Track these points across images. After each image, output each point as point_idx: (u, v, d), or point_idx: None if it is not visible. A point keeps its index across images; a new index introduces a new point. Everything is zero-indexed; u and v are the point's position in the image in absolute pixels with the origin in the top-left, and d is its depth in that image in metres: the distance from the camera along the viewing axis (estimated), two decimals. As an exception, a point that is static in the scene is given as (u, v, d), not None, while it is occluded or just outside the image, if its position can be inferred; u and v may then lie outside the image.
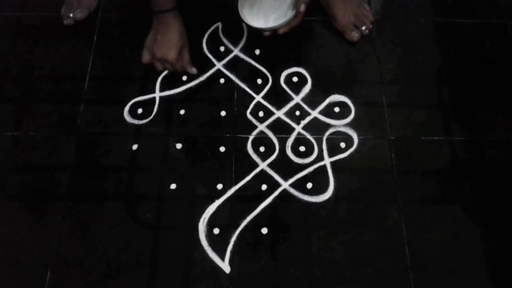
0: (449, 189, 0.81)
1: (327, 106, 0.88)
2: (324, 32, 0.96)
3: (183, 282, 0.72)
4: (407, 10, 1.00)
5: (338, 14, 0.93)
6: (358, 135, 0.85)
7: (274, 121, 0.86)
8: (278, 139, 0.84)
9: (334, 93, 0.89)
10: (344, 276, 0.73)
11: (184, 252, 0.74)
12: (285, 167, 0.82)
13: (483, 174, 0.82)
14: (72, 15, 0.94)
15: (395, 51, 0.94)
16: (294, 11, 0.85)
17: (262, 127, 0.85)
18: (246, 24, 0.88)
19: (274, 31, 0.86)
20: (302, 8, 0.83)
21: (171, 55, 0.85)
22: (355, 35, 0.93)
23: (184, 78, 0.90)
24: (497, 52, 0.95)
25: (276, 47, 0.93)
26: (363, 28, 0.94)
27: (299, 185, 0.80)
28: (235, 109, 0.87)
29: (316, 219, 0.78)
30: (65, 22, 0.95)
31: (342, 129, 0.86)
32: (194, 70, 0.89)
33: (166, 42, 0.85)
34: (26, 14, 0.97)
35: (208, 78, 0.90)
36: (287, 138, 0.84)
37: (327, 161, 0.82)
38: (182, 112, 0.86)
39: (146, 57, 0.88)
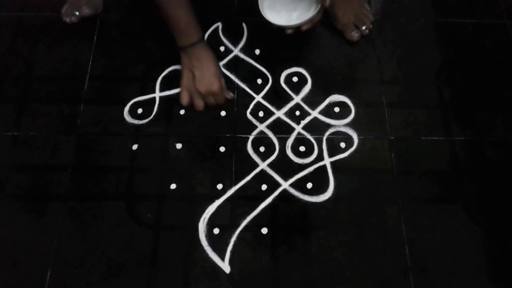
0: (449, 189, 0.81)
1: (327, 106, 0.88)
2: (324, 32, 0.96)
3: (183, 282, 0.72)
4: (407, 10, 1.00)
5: (339, 13, 0.93)
6: (358, 135, 0.85)
7: (274, 121, 0.86)
8: (278, 139, 0.84)
9: (334, 93, 0.89)
10: (344, 276, 0.73)
11: (184, 252, 0.74)
12: (285, 167, 0.82)
13: (483, 174, 0.82)
14: (78, 12, 0.94)
15: (395, 51, 0.94)
16: (319, 7, 0.81)
17: (262, 127, 0.85)
18: (268, 22, 0.83)
19: (297, 28, 0.83)
20: (328, 2, 0.80)
21: (215, 85, 0.81)
22: (355, 35, 0.93)
23: (184, 78, 0.90)
24: (497, 52, 0.95)
25: (276, 47, 0.93)
26: (363, 28, 0.94)
27: (299, 185, 0.80)
28: (235, 109, 0.87)
29: (316, 219, 0.78)
30: (68, 20, 0.94)
31: (342, 129, 0.86)
32: (231, 95, 0.87)
33: (206, 74, 0.81)
34: (26, 14, 0.97)
35: (208, 78, 0.90)
36: (287, 138, 0.84)
37: (327, 161, 0.82)
38: (182, 112, 0.86)
39: (186, 98, 0.83)
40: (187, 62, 0.82)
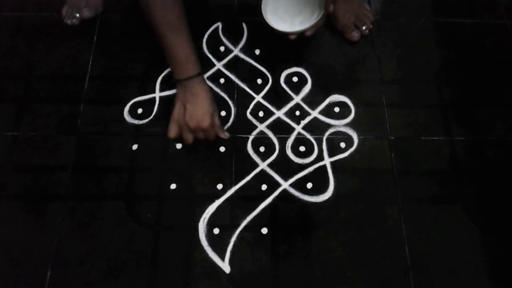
0: (449, 189, 0.81)
1: (327, 106, 0.88)
2: (324, 32, 0.96)
3: (183, 282, 0.72)
4: (407, 10, 1.00)
5: (339, 14, 0.93)
6: (358, 135, 0.85)
7: (274, 121, 0.86)
8: (278, 139, 0.84)
9: (334, 93, 0.89)
10: (344, 276, 0.73)
11: (184, 252, 0.74)
12: (285, 167, 0.82)
13: (483, 174, 0.82)
14: (79, 14, 0.94)
15: (395, 51, 0.94)
16: (322, 13, 0.80)
17: (262, 127, 0.85)
18: (271, 28, 0.82)
19: (300, 34, 0.81)
20: (331, 8, 0.80)
21: (206, 122, 0.78)
22: (355, 35, 0.93)
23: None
24: (497, 52, 0.95)
25: (276, 47, 0.93)
26: (363, 28, 0.94)
27: (299, 185, 0.80)
28: (235, 109, 0.87)
29: (316, 219, 0.78)
30: (68, 22, 0.94)
31: (342, 129, 0.86)
32: (227, 135, 0.83)
33: (198, 110, 0.78)
34: (26, 14, 0.97)
35: (208, 78, 0.90)
36: (287, 138, 0.84)
37: (327, 161, 0.82)
38: (182, 112, 0.86)
39: (174, 131, 0.80)
40: (181, 95, 0.79)
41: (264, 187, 0.80)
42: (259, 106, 0.87)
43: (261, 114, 0.87)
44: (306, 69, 0.91)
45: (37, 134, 0.84)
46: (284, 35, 0.82)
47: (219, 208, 0.78)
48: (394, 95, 0.89)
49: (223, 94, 0.88)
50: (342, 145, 0.84)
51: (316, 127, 0.86)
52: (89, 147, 0.83)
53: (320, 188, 0.80)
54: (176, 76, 0.79)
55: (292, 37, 0.82)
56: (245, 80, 0.90)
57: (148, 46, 0.93)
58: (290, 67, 0.91)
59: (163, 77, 0.90)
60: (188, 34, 0.78)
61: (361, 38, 0.94)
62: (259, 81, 0.90)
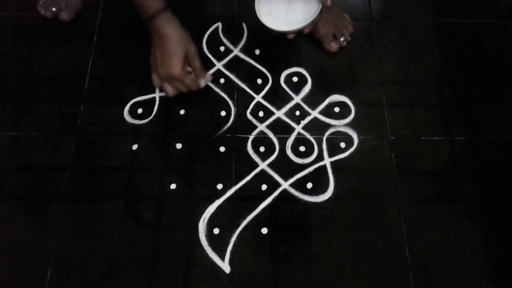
0: (449, 189, 0.81)
1: (327, 106, 0.88)
2: (324, 32, 0.96)
3: (183, 282, 0.72)
4: (407, 10, 1.00)
5: (319, 23, 0.90)
6: (358, 135, 0.85)
7: (274, 121, 0.86)
8: (278, 139, 0.84)
9: (334, 93, 0.89)
10: (344, 276, 0.73)
11: (184, 252, 0.74)
12: (285, 167, 0.82)
13: (483, 174, 0.83)
14: (55, 9, 0.93)
15: (395, 51, 0.94)
16: (320, 8, 0.79)
17: (262, 127, 0.85)
18: (268, 29, 0.81)
19: (298, 32, 0.81)
20: (329, 1, 0.77)
21: (175, 69, 0.69)
22: (334, 46, 0.91)
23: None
24: (497, 52, 0.95)
25: (276, 47, 0.93)
26: (342, 39, 0.92)
27: (299, 185, 0.80)
28: (235, 109, 0.87)
29: (316, 219, 0.78)
30: (42, 12, 0.94)
31: (342, 129, 0.86)
32: (208, 78, 0.77)
33: (165, 56, 0.70)
34: (26, 14, 0.97)
35: (208, 78, 0.90)
36: (287, 138, 0.84)
37: (327, 161, 0.82)
38: (182, 112, 0.86)
39: (156, 81, 0.76)
40: (152, 38, 0.71)
41: (264, 187, 0.80)
42: (259, 106, 0.87)
43: (261, 114, 0.87)
44: (306, 69, 0.91)
45: (37, 134, 0.84)
46: (282, 35, 0.82)
47: (219, 208, 0.78)
48: (394, 95, 0.89)
49: (223, 94, 0.88)
50: (342, 145, 0.84)
51: (316, 127, 0.86)
52: (89, 147, 0.83)
53: (320, 188, 0.80)
54: (142, 15, 0.70)
55: (291, 36, 0.82)
56: (245, 80, 0.90)
57: (148, 46, 0.93)
58: (290, 67, 0.91)
59: (163, 77, 0.90)
60: None
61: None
62: (259, 81, 0.90)
